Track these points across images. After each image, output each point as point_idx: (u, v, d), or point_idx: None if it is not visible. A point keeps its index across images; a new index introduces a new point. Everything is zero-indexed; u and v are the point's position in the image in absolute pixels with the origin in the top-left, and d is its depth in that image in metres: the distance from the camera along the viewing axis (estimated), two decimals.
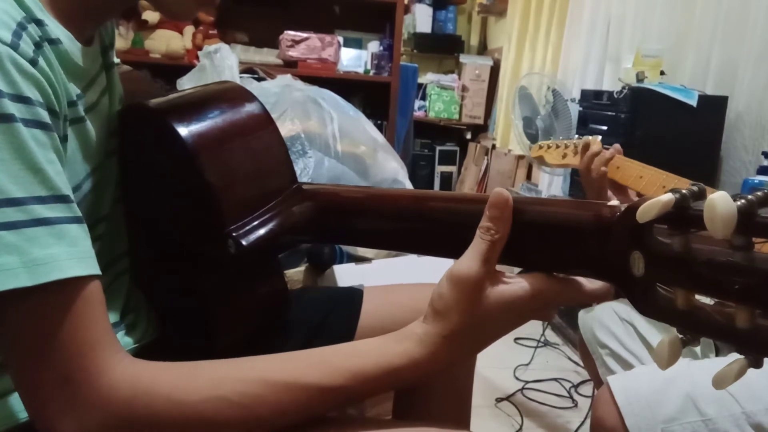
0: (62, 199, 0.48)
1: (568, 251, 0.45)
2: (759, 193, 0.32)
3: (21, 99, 0.45)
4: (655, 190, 1.07)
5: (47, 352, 0.47)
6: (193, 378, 0.50)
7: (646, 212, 0.36)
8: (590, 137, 1.24)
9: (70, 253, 0.47)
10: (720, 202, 0.32)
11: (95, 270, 0.49)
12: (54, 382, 0.47)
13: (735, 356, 0.36)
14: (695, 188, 0.36)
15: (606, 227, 0.41)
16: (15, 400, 0.54)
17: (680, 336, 0.38)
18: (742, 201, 0.32)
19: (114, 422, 0.47)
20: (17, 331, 0.46)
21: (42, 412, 0.48)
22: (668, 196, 0.35)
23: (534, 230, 0.47)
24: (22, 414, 0.54)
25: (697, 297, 0.37)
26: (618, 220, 0.41)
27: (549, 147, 1.38)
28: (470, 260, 0.48)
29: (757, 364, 0.35)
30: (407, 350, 0.49)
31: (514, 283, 0.48)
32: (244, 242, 0.56)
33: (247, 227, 0.57)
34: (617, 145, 1.16)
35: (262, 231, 0.58)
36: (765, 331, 0.33)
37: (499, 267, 0.49)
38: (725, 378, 0.34)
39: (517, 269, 0.50)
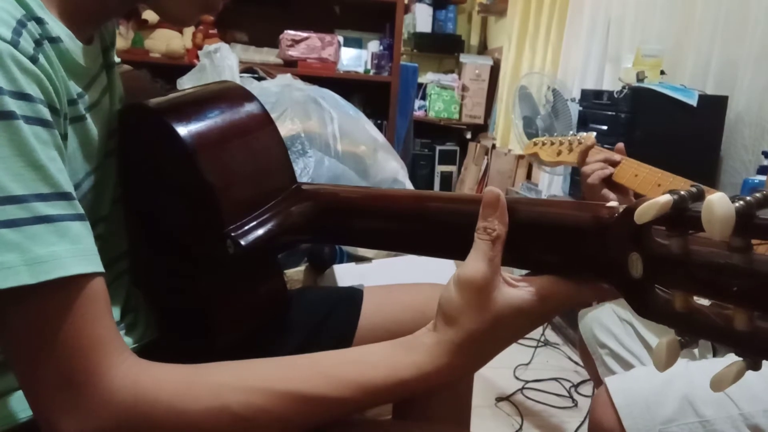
0: (64, 196, 0.47)
1: (567, 252, 0.44)
2: (758, 195, 0.32)
3: (22, 96, 0.45)
4: (651, 188, 1.07)
5: (49, 351, 0.46)
6: (194, 385, 0.49)
7: (644, 213, 0.36)
8: (585, 134, 1.24)
9: (72, 251, 0.46)
10: (718, 204, 0.32)
11: (98, 267, 0.49)
12: (55, 382, 0.47)
13: (733, 356, 0.36)
14: (694, 189, 0.35)
15: (604, 228, 0.41)
16: (16, 400, 0.54)
17: (678, 338, 0.38)
18: (741, 202, 0.32)
19: (113, 426, 0.47)
20: (18, 329, 0.46)
21: (43, 412, 0.48)
22: (666, 197, 0.35)
23: (533, 231, 0.47)
24: (23, 414, 0.54)
25: (696, 299, 0.37)
26: (616, 221, 0.40)
27: (544, 144, 1.36)
28: (475, 262, 0.47)
29: (756, 367, 0.35)
30: (417, 362, 0.47)
31: (523, 287, 0.47)
32: (242, 242, 0.56)
33: (246, 227, 0.57)
34: (621, 145, 1.16)
35: (260, 231, 0.58)
36: (763, 333, 0.33)
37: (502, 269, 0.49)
38: (723, 380, 0.34)
39: (518, 271, 0.50)
